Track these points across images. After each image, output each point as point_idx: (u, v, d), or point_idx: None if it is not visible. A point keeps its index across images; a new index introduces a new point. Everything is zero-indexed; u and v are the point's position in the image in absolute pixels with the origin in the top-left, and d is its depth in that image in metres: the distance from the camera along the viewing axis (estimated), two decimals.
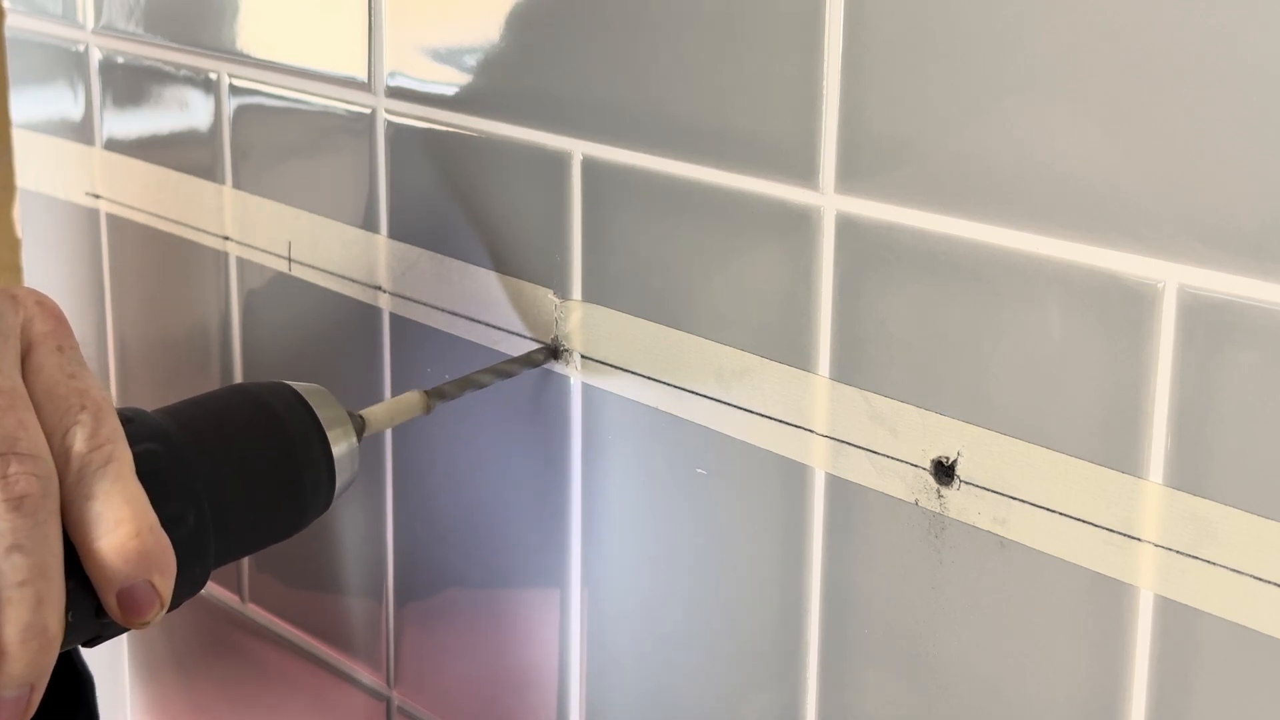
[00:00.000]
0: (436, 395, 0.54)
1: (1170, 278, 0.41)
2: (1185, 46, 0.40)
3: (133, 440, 0.45)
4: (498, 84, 0.58)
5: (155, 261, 0.77)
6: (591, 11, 0.54)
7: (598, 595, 0.58)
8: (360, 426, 0.51)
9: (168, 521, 0.45)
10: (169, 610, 0.46)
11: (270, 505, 0.49)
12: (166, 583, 0.44)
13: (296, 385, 0.50)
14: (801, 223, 0.49)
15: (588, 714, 0.60)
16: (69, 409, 0.45)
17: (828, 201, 0.48)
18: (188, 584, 0.46)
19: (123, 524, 0.43)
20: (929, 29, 0.45)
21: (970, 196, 0.45)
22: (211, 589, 0.78)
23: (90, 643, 0.46)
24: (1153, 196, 0.41)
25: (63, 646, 0.44)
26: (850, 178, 0.47)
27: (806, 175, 0.49)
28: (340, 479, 0.50)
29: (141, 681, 0.85)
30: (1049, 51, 0.42)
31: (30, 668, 0.42)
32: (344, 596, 0.70)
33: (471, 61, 0.59)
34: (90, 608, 0.44)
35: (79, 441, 0.44)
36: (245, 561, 0.76)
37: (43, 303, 0.47)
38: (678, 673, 0.56)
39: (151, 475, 0.45)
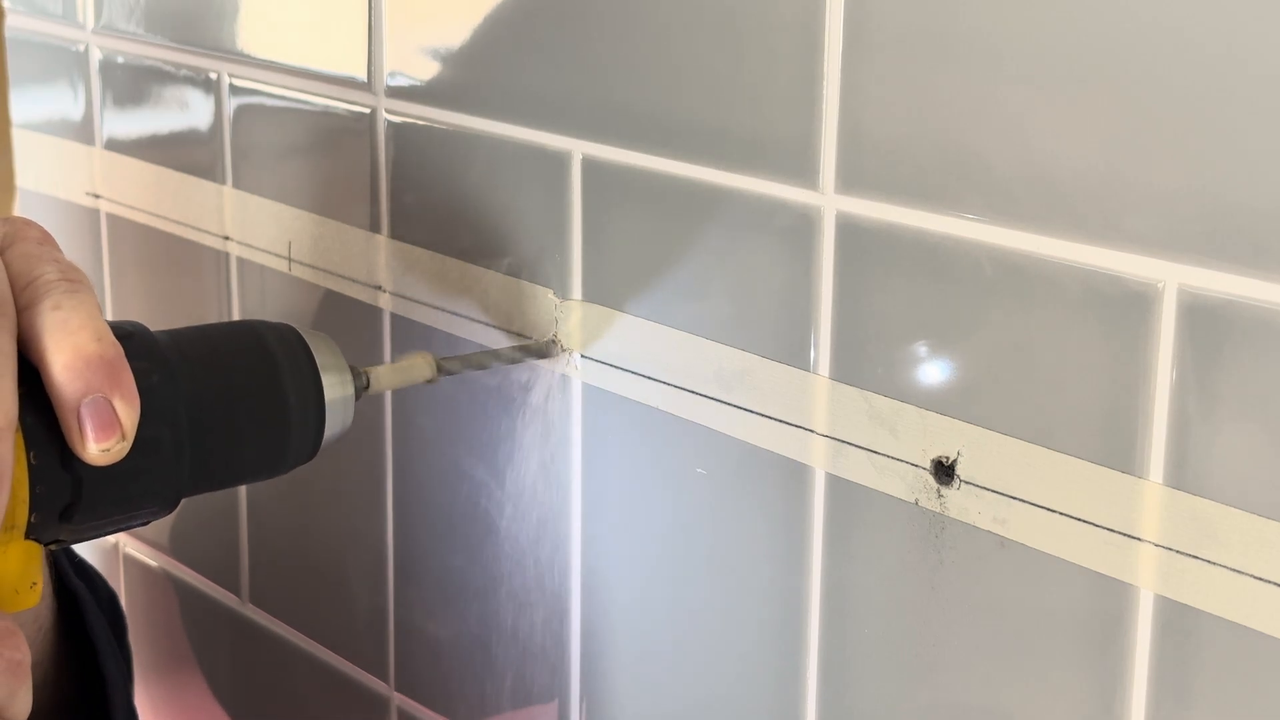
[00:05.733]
0: (446, 371, 0.54)
1: (1170, 278, 0.41)
2: (1185, 47, 0.40)
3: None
4: (498, 84, 0.58)
5: (155, 261, 0.77)
6: (592, 11, 0.54)
7: (597, 595, 0.58)
8: (362, 383, 0.51)
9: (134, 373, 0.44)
10: (138, 508, 0.45)
11: (250, 423, 0.48)
12: (128, 410, 0.43)
13: (303, 329, 0.50)
14: (801, 223, 0.49)
15: (588, 713, 0.60)
16: (41, 261, 0.45)
17: (828, 201, 0.48)
18: (154, 456, 0.45)
19: (85, 328, 0.43)
20: (929, 29, 0.45)
21: (970, 197, 0.45)
22: (211, 589, 0.78)
23: (66, 514, 0.44)
24: (1153, 196, 0.41)
25: (33, 509, 0.43)
26: (850, 178, 0.47)
27: (806, 175, 0.49)
28: (331, 428, 0.50)
29: (142, 681, 0.85)
30: (1049, 52, 0.42)
31: None
32: (345, 597, 0.70)
33: (472, 61, 0.59)
34: (55, 453, 0.43)
35: (50, 272, 0.44)
36: (245, 561, 0.76)
37: (31, 223, 0.47)
38: (678, 672, 0.56)
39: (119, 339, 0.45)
